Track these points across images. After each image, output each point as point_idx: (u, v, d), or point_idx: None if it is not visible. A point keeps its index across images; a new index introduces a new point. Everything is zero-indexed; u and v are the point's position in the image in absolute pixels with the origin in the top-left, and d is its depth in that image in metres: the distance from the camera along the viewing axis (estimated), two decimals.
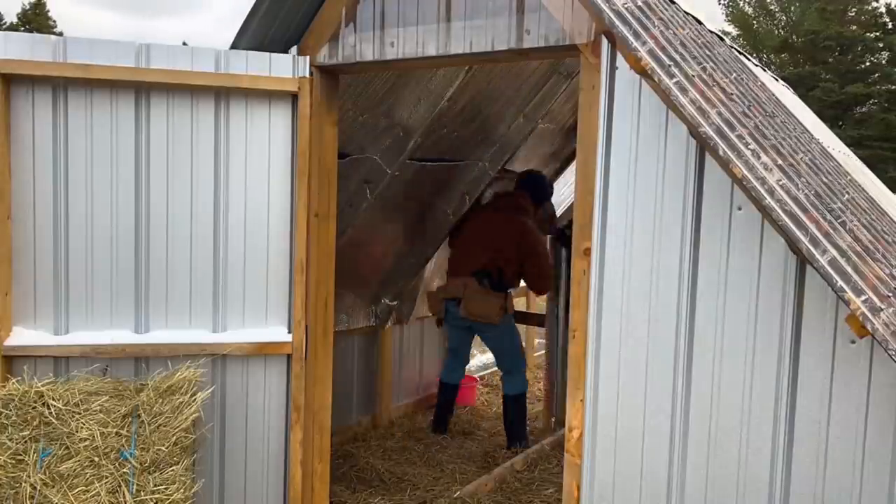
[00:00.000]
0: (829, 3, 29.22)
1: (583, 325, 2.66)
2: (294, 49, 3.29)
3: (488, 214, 5.11)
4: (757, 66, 4.57)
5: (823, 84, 26.77)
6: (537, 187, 5.28)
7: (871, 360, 2.18)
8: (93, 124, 3.08)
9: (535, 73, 4.78)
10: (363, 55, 3.16)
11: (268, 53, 3.20)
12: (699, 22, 3.39)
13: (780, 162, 2.27)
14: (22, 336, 3.06)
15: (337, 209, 3.50)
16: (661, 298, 2.50)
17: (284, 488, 3.38)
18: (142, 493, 2.65)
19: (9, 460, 2.64)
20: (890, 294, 2.04)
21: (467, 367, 6.96)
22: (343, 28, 3.20)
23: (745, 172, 2.17)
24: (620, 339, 2.58)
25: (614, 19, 2.44)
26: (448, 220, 5.28)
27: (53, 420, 2.74)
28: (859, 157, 6.11)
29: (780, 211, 2.11)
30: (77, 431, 2.73)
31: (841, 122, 26.09)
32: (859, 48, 28.36)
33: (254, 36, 3.24)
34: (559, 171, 6.54)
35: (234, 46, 3.25)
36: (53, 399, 2.79)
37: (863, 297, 1.99)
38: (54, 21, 34.98)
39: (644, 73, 2.40)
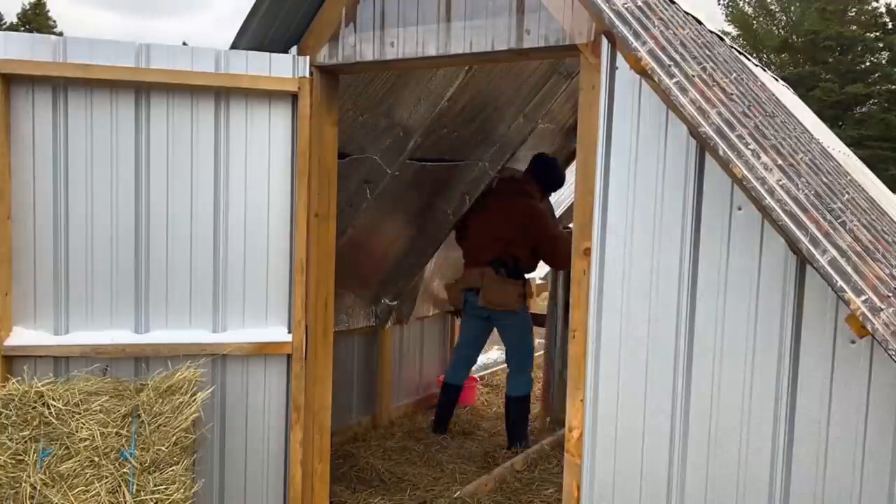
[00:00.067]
0: (829, 3, 29.24)
1: (583, 325, 2.66)
2: (294, 49, 3.29)
3: (494, 202, 5.10)
4: (757, 66, 4.57)
5: (823, 84, 26.78)
6: (548, 172, 5.22)
7: (871, 360, 2.18)
8: (93, 124, 3.08)
9: (535, 73, 4.78)
10: (363, 55, 3.16)
11: (268, 53, 3.20)
12: (699, 22, 3.39)
13: (780, 162, 2.27)
14: (22, 336, 3.06)
15: (337, 209, 3.50)
16: (661, 298, 2.50)
17: (284, 488, 3.38)
18: (142, 493, 2.65)
19: (9, 460, 2.64)
20: (890, 294, 2.04)
21: None
22: (343, 28, 3.20)
23: (745, 172, 2.17)
24: (620, 339, 2.58)
25: (614, 19, 2.44)
26: (448, 220, 5.28)
27: (53, 420, 2.74)
28: (859, 157, 6.11)
29: (780, 211, 2.11)
30: (77, 431, 2.73)
31: (841, 122, 26.10)
32: (859, 48, 28.37)
33: (254, 36, 3.24)
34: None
35: (234, 46, 3.25)
36: (53, 399, 2.79)
37: (863, 297, 1.99)
38: (54, 21, 35.00)
39: (644, 73, 2.40)
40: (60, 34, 7.67)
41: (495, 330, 5.30)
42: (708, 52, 2.79)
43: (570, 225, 2.97)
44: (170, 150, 3.17)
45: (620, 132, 2.54)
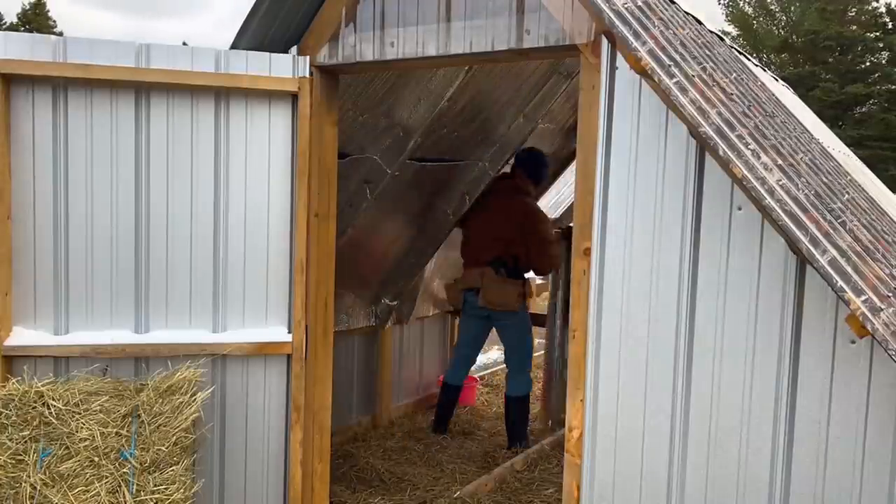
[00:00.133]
0: (829, 3, 29.24)
1: (583, 325, 2.66)
2: (294, 49, 3.29)
3: (493, 202, 5.11)
4: (757, 66, 4.57)
5: (823, 84, 26.79)
6: (535, 165, 5.23)
7: (871, 360, 2.18)
8: (93, 124, 3.08)
9: (535, 73, 4.78)
10: (363, 55, 3.16)
11: (268, 53, 3.20)
12: (699, 22, 3.39)
13: (780, 162, 2.27)
14: (22, 336, 3.06)
15: (337, 209, 3.50)
16: (661, 298, 2.50)
17: (284, 488, 3.38)
18: (142, 493, 2.65)
19: (9, 460, 2.64)
20: (890, 294, 2.04)
21: None
22: (343, 28, 3.20)
23: (745, 172, 2.17)
24: (620, 339, 2.58)
25: (614, 19, 2.44)
26: (448, 220, 5.28)
27: (53, 420, 2.74)
28: (859, 157, 6.11)
29: (780, 211, 2.11)
30: (77, 431, 2.73)
31: (841, 122, 26.10)
32: (859, 48, 28.37)
33: (254, 36, 3.24)
34: (559, 172, 6.54)
35: (234, 46, 3.25)
36: (53, 399, 2.79)
37: (863, 297, 1.99)
38: (54, 21, 35.00)
39: (644, 73, 2.40)
40: (60, 34, 7.67)
41: (494, 330, 5.30)
42: (708, 52, 2.79)
43: (570, 224, 2.96)
44: (170, 150, 3.17)
45: (620, 132, 2.54)
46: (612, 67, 2.54)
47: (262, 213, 3.29)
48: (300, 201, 3.27)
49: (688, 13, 3.30)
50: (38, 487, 2.59)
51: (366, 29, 3.15)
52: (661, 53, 2.37)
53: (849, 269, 2.03)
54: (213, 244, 3.25)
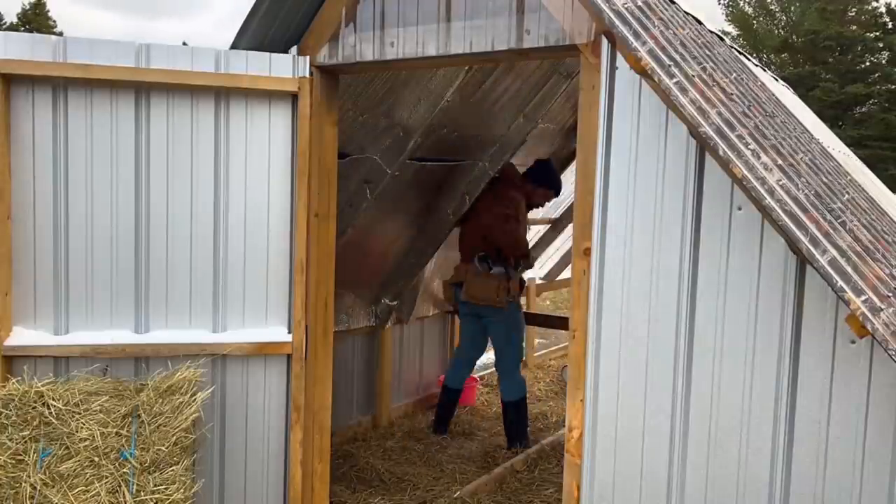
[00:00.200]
0: (829, 3, 29.24)
1: (583, 325, 2.66)
2: (294, 49, 3.29)
3: (483, 199, 5.15)
4: (757, 66, 4.57)
5: (823, 84, 26.78)
6: (549, 174, 5.28)
7: (871, 360, 2.18)
8: (93, 124, 3.08)
9: (535, 73, 4.78)
10: (363, 55, 3.16)
11: (268, 53, 3.20)
12: (699, 22, 3.39)
13: (780, 162, 2.27)
14: (22, 336, 3.06)
15: (337, 209, 3.50)
16: (661, 298, 2.50)
17: (284, 488, 3.38)
18: (142, 493, 2.65)
19: (9, 460, 2.64)
20: (890, 294, 2.04)
21: None
22: (343, 28, 3.20)
23: (745, 172, 2.17)
24: (620, 339, 2.58)
25: (614, 19, 2.44)
26: (448, 220, 5.28)
27: (53, 420, 2.74)
28: (859, 157, 6.11)
29: (780, 211, 2.11)
30: (77, 431, 2.73)
31: (841, 122, 26.10)
32: (859, 48, 28.37)
33: (254, 36, 3.24)
34: (559, 172, 6.53)
35: (234, 46, 3.25)
36: (53, 399, 2.79)
37: (863, 297, 1.99)
38: (54, 21, 35.00)
39: (644, 73, 2.40)
40: (60, 34, 7.67)
41: None
42: (708, 52, 2.79)
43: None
44: (170, 150, 3.17)
45: (620, 132, 2.54)
46: (612, 67, 2.54)
47: (262, 213, 3.29)
48: (300, 201, 3.27)
49: (688, 13, 3.30)
50: (38, 487, 2.59)
51: (366, 29, 3.15)
52: (661, 53, 2.37)
53: (849, 269, 2.03)
54: (213, 244, 3.25)
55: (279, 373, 3.34)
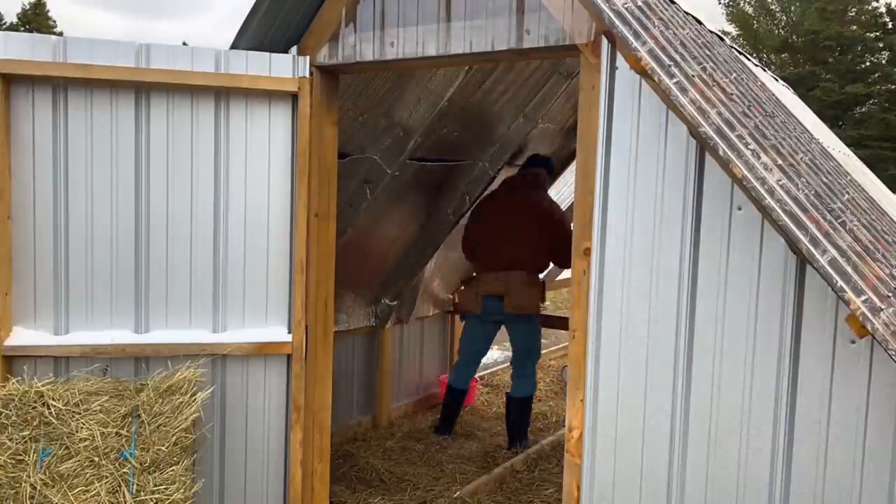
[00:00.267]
0: (830, 3, 29.24)
1: (583, 325, 2.66)
2: (294, 49, 3.29)
3: (506, 202, 4.98)
4: (757, 66, 4.57)
5: (823, 84, 26.79)
6: (547, 164, 5.21)
7: (871, 360, 2.18)
8: (93, 124, 3.08)
9: (535, 73, 4.78)
10: (363, 55, 3.16)
11: (268, 53, 3.20)
12: (699, 22, 3.39)
13: (780, 162, 2.27)
14: (22, 336, 3.06)
15: (337, 209, 3.50)
16: (661, 298, 2.50)
17: (284, 488, 3.38)
18: (142, 493, 2.65)
19: (9, 460, 2.64)
20: (890, 294, 2.04)
21: None
22: (343, 28, 3.20)
23: (745, 172, 2.17)
24: (620, 339, 2.58)
25: (614, 19, 2.44)
26: (448, 220, 5.28)
27: (53, 420, 2.74)
28: (859, 157, 6.11)
29: (780, 211, 2.11)
30: (77, 431, 2.73)
31: (841, 122, 26.10)
32: (859, 48, 28.37)
33: (254, 36, 3.24)
34: (559, 171, 6.54)
35: (234, 46, 3.25)
36: (53, 399, 2.79)
37: (863, 297, 1.99)
38: (54, 21, 35.00)
39: (644, 73, 2.40)
40: (60, 34, 7.68)
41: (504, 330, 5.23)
42: (708, 52, 2.79)
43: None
44: (170, 150, 3.17)
45: (620, 132, 2.54)
46: (612, 67, 2.54)
47: (262, 213, 3.29)
48: (300, 201, 3.27)
49: (688, 13, 3.30)
50: (38, 487, 2.59)
51: (366, 29, 3.15)
52: (661, 53, 2.37)
53: (849, 269, 2.03)
54: (213, 244, 3.25)
55: (279, 373, 3.34)
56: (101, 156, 3.10)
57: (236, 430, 3.31)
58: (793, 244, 2.19)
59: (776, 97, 3.47)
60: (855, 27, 28.90)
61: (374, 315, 5.34)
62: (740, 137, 2.22)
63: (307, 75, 3.23)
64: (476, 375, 6.62)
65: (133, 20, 67.46)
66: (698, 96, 2.29)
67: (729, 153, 2.20)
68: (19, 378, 2.91)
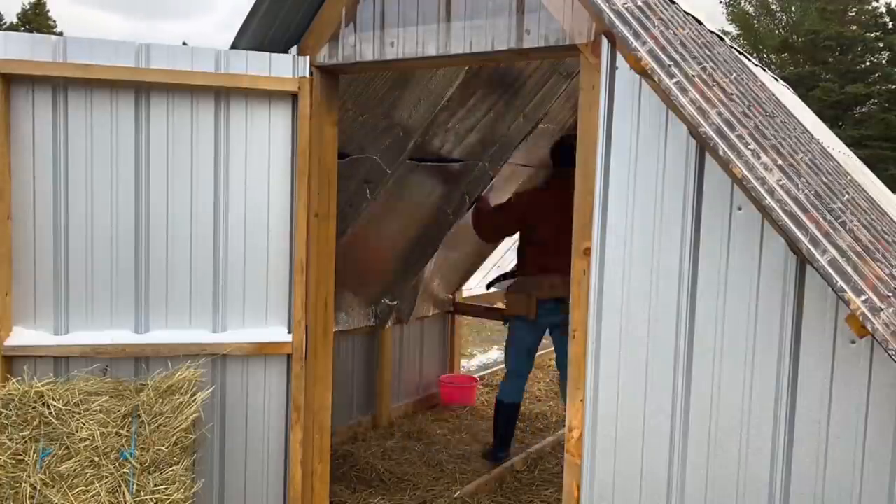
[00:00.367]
0: (830, 3, 29.25)
1: (583, 325, 2.66)
2: (294, 49, 3.29)
3: (561, 201, 4.63)
4: (757, 66, 4.57)
5: (823, 84, 26.79)
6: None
7: (871, 360, 2.18)
8: (93, 124, 3.08)
9: (535, 73, 4.78)
10: (363, 55, 3.16)
11: (268, 53, 3.20)
12: (699, 22, 3.39)
13: (780, 162, 2.27)
14: (22, 336, 3.06)
15: (337, 209, 3.50)
16: (661, 298, 2.50)
17: (284, 488, 3.38)
18: (142, 493, 2.65)
19: (9, 460, 2.64)
20: (890, 294, 2.04)
21: (467, 367, 6.93)
22: (343, 28, 3.20)
23: (745, 172, 2.17)
24: (620, 339, 2.58)
25: (614, 19, 2.44)
26: (448, 220, 5.28)
27: (53, 420, 2.74)
28: (859, 157, 6.11)
29: (780, 211, 2.11)
30: (77, 431, 2.73)
31: (841, 122, 26.10)
32: (859, 48, 28.38)
33: (254, 36, 3.24)
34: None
35: (234, 47, 3.25)
36: (53, 399, 2.79)
37: (863, 297, 1.99)
38: (54, 21, 35.00)
39: (644, 73, 2.40)
40: (60, 34, 7.68)
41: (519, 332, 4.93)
42: (708, 52, 2.79)
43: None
44: (170, 150, 3.17)
45: (620, 132, 2.54)
46: (612, 67, 2.54)
47: (262, 213, 3.29)
48: (300, 201, 3.27)
49: (688, 13, 3.30)
50: (38, 487, 2.59)
51: (366, 29, 3.15)
52: (661, 53, 2.37)
53: (849, 269, 2.03)
54: (213, 244, 3.25)
55: (279, 373, 3.34)
56: (101, 156, 3.10)
57: (236, 430, 3.31)
58: (793, 244, 2.19)
59: (776, 97, 3.47)
60: (855, 27, 28.90)
61: (374, 315, 5.34)
62: (740, 137, 2.22)
63: (307, 75, 3.23)
64: (476, 375, 6.64)
65: (133, 20, 67.49)
66: (698, 96, 2.29)
67: (729, 153, 2.20)
68: (19, 378, 2.91)
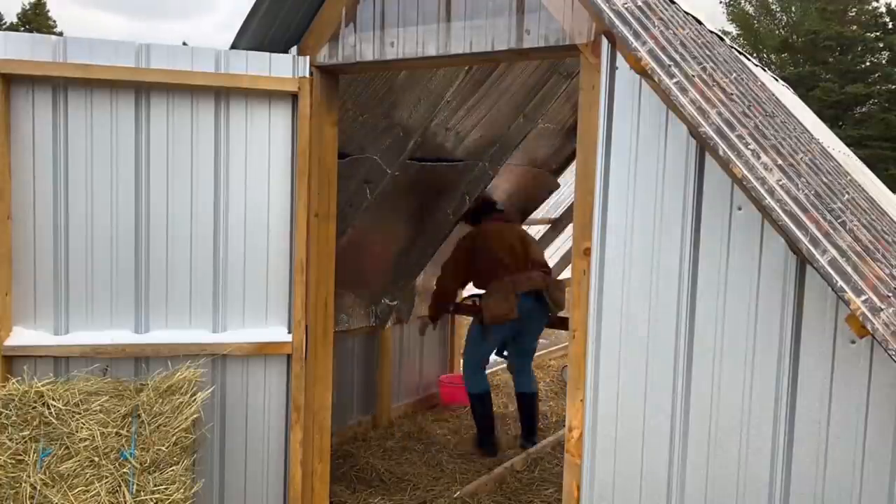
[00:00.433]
0: (830, 3, 29.24)
1: (583, 325, 2.66)
2: (294, 49, 3.29)
3: (496, 229, 5.09)
4: (757, 66, 4.57)
5: (823, 84, 26.79)
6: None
7: (871, 360, 2.18)
8: (93, 124, 3.08)
9: (535, 73, 4.78)
10: (363, 55, 3.16)
11: (268, 53, 3.20)
12: (699, 22, 3.39)
13: (780, 162, 2.27)
14: (22, 336, 3.06)
15: (337, 209, 3.50)
16: (661, 298, 2.50)
17: (284, 488, 3.38)
18: (142, 493, 2.65)
19: (9, 460, 2.64)
20: (890, 294, 2.04)
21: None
22: (343, 28, 3.20)
23: (745, 172, 2.17)
24: (620, 339, 2.58)
25: (614, 19, 2.44)
26: (448, 220, 5.28)
27: (53, 420, 2.74)
28: (859, 157, 6.11)
29: (780, 211, 2.11)
30: (77, 431, 2.73)
31: (841, 122, 26.10)
32: (859, 48, 28.37)
33: (254, 36, 3.24)
34: (559, 171, 6.54)
35: (234, 47, 3.25)
36: (53, 399, 2.79)
37: (863, 297, 1.99)
38: (54, 21, 34.99)
39: (644, 73, 2.40)
40: (60, 34, 7.68)
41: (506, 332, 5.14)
42: (708, 52, 2.79)
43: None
44: (170, 150, 3.17)
45: (620, 132, 2.54)
46: (612, 67, 2.54)
47: (262, 213, 3.29)
48: (300, 201, 3.27)
49: (688, 13, 3.30)
50: (38, 487, 2.59)
51: (366, 29, 3.15)
52: (661, 53, 2.37)
53: (849, 269, 2.03)
54: (213, 244, 3.25)
55: (279, 373, 3.34)
56: (101, 156, 3.10)
57: (236, 430, 3.31)
58: (793, 244, 2.19)
59: (776, 97, 3.47)
60: (855, 27, 28.90)
61: (374, 315, 5.34)
62: (740, 137, 2.22)
63: (307, 75, 3.23)
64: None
65: (134, 20, 67.48)
66: (698, 96, 2.29)
67: (729, 153, 2.20)
68: (19, 378, 2.91)
